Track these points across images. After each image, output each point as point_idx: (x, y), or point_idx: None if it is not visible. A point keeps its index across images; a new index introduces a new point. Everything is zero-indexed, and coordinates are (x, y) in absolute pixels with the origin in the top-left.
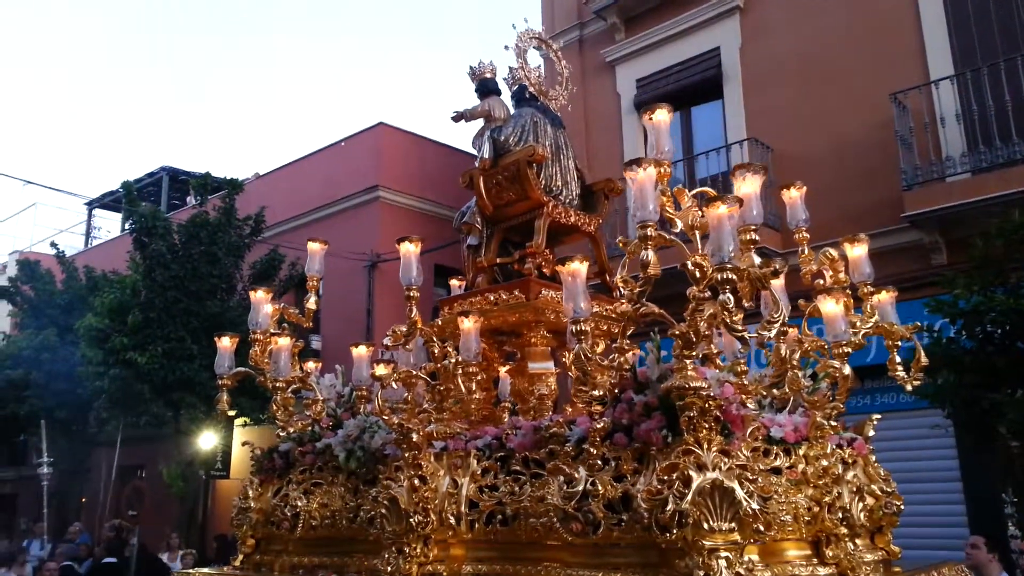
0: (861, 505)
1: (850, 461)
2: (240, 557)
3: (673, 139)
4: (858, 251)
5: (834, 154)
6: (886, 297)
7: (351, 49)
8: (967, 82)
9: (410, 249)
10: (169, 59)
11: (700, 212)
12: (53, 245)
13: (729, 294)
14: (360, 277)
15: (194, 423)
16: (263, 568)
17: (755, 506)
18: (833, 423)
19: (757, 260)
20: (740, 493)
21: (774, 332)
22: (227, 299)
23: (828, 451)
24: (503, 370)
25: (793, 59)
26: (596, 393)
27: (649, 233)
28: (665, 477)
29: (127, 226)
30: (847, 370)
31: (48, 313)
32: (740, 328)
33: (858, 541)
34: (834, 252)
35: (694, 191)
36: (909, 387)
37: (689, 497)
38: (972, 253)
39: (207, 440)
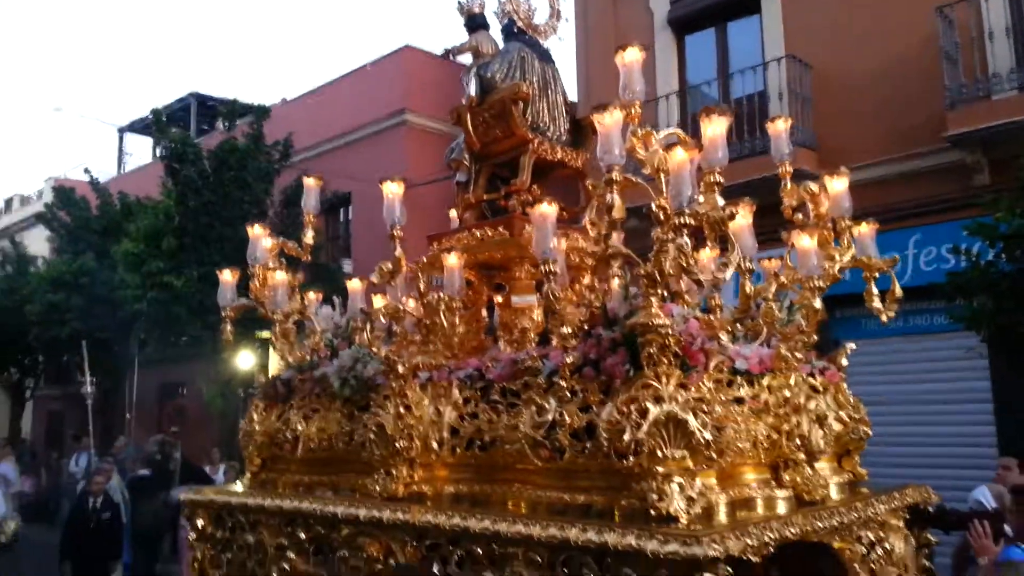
0: (821, 432)
1: (821, 389)
2: (248, 475)
3: (708, 56)
4: (839, 185)
5: (876, 71)
6: (867, 230)
7: None
8: None
9: (393, 190)
10: None
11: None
12: (87, 171)
13: (686, 238)
14: None
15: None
16: (267, 485)
17: (708, 436)
18: (798, 355)
19: (721, 201)
20: (694, 424)
21: (728, 274)
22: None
23: (792, 382)
24: (498, 299)
25: None
26: (565, 330)
27: (614, 177)
28: (625, 409)
29: (158, 152)
30: (817, 303)
31: (85, 238)
32: (696, 271)
33: (821, 465)
34: (814, 186)
35: (663, 133)
36: (884, 318)
37: (645, 427)
38: (1018, 174)
39: (245, 360)
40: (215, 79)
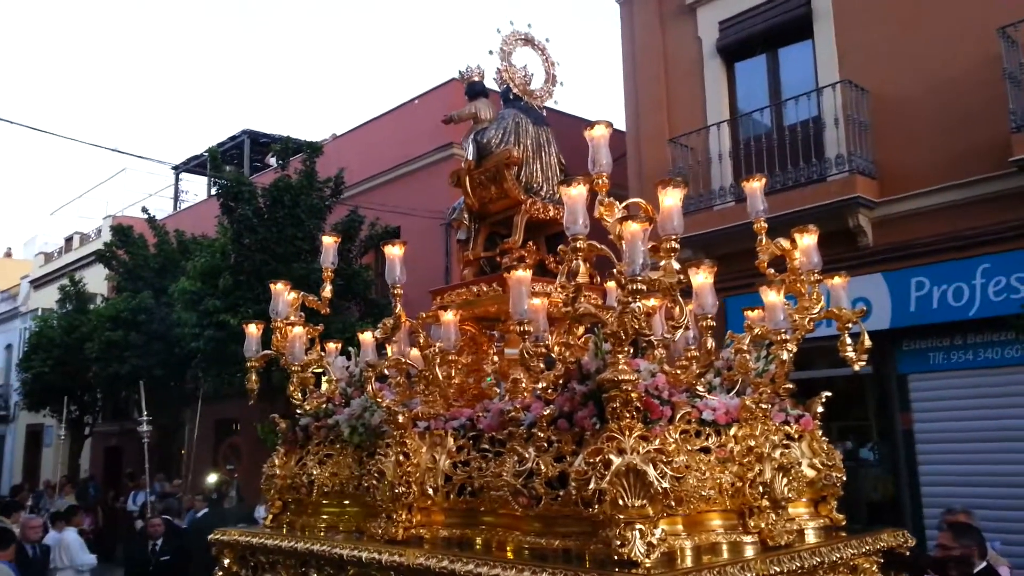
0: (785, 480)
1: (796, 437)
2: (269, 517)
3: (760, 83)
4: (808, 240)
5: (935, 94)
6: (839, 282)
7: (426, 5)
8: None
9: (394, 252)
10: (249, 24)
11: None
12: (144, 210)
13: (640, 303)
14: (437, 235)
15: (286, 380)
16: (286, 527)
17: (665, 485)
18: (764, 405)
19: (676, 266)
20: (653, 474)
21: (678, 335)
22: (312, 261)
23: (758, 431)
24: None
25: None
26: (540, 385)
27: (579, 245)
28: (591, 460)
29: (214, 191)
30: (784, 356)
31: (143, 276)
32: (648, 331)
33: (798, 511)
34: (786, 243)
35: (624, 203)
36: (857, 367)
37: (607, 478)
38: None
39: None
40: (268, 115)
